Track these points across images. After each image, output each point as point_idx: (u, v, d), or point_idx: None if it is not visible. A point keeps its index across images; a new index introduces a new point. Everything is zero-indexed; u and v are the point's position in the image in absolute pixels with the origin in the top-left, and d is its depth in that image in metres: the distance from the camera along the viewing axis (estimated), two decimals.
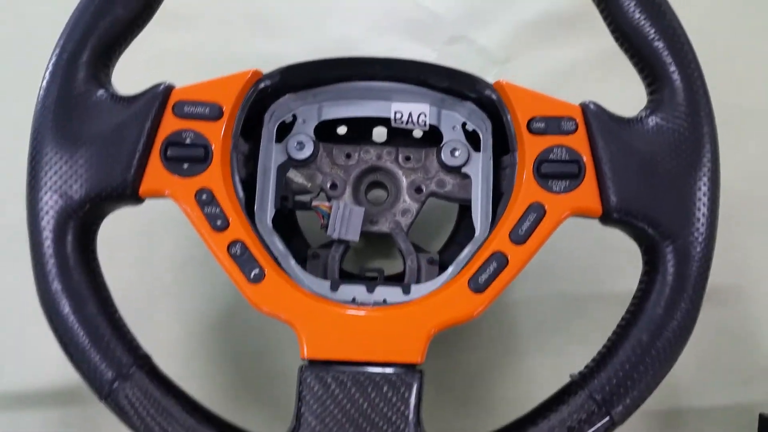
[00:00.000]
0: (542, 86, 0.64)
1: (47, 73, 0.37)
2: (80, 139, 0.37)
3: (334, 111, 0.49)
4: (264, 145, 0.46)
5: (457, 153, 0.48)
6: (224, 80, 0.41)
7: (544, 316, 0.58)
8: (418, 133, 0.52)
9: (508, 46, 0.68)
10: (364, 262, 0.58)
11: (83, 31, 0.38)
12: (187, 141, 0.38)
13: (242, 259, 0.37)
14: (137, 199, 0.38)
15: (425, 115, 0.48)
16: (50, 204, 0.36)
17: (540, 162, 0.38)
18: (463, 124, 0.48)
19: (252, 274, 0.37)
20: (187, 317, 0.58)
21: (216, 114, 0.39)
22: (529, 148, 0.38)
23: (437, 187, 0.49)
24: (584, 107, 0.39)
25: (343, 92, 0.48)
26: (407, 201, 0.49)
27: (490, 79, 0.65)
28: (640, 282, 0.38)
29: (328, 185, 0.49)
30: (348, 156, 0.50)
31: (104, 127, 0.37)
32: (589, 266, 0.59)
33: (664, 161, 0.37)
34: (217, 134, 0.39)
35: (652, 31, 0.38)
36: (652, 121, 0.37)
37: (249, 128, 0.45)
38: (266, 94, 0.45)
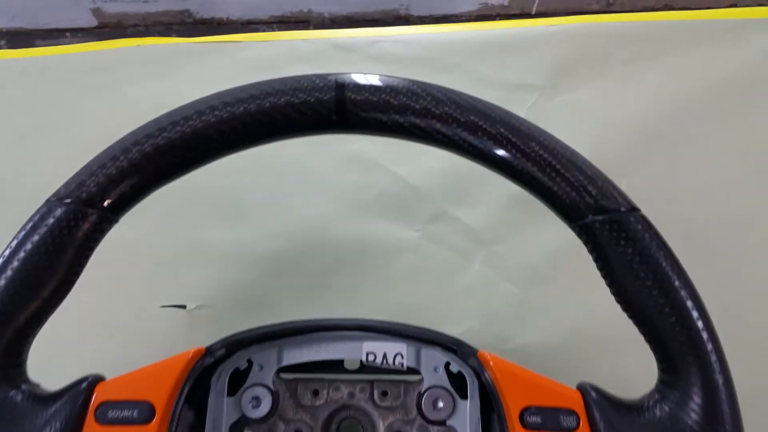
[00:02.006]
0: (533, 270, 0.60)
1: None
2: None
3: (297, 355, 0.43)
4: (213, 403, 0.40)
5: (440, 404, 0.41)
6: (159, 367, 0.35)
7: None
8: None
9: (494, 224, 0.62)
10: None
11: None
12: None
13: None
14: None
15: (402, 356, 0.42)
16: None
17: None
18: (447, 364, 0.42)
19: None
20: None
21: (145, 416, 0.33)
22: None
23: None
24: (584, 393, 0.33)
25: (305, 339, 0.42)
26: None
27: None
28: None
29: None
30: (315, 393, 0.43)
31: None
32: None
33: None
34: None
35: (663, 301, 0.31)
36: (663, 413, 0.31)
37: (194, 390, 0.38)
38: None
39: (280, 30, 1.76)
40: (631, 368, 0.52)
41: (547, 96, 0.65)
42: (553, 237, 0.60)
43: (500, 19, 1.76)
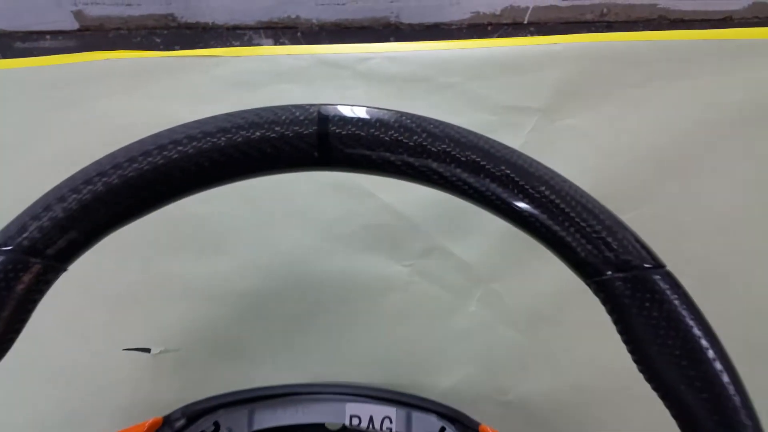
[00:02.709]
0: (535, 312, 0.55)
1: None
2: None
3: (270, 418, 0.38)
4: None
5: None
6: None
7: None
8: None
9: (491, 260, 0.57)
10: None
11: None
12: None
13: None
14: None
15: (391, 420, 0.37)
16: None
17: None
18: (441, 429, 0.37)
19: None
20: None
21: None
22: None
23: None
24: None
25: (280, 400, 0.37)
26: None
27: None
28: None
29: None
30: None
31: None
32: None
33: None
34: None
35: (694, 374, 0.26)
36: None
37: None
38: None
39: (267, 36, 1.71)
40: (642, 427, 0.47)
41: (548, 119, 0.60)
42: (558, 275, 0.55)
43: (492, 28, 1.72)
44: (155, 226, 0.56)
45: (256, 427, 0.38)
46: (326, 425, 0.41)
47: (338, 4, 1.66)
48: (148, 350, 0.53)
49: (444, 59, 0.62)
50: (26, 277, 0.27)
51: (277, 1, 1.65)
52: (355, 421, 0.37)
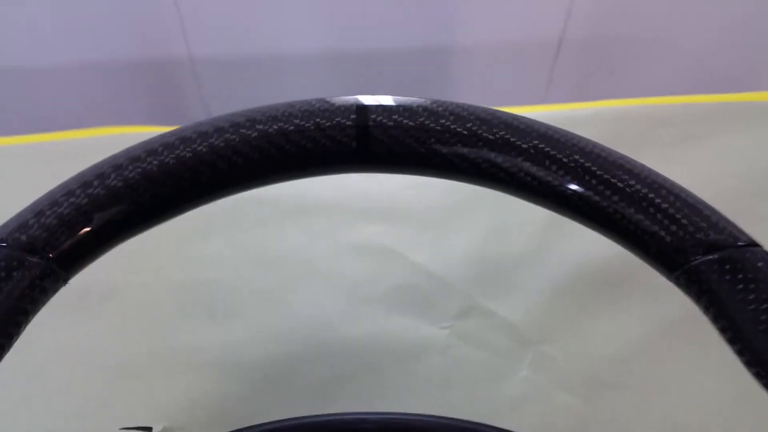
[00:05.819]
0: (595, 375, 0.48)
1: None
2: None
3: None
4: None
5: None
6: None
7: None
8: None
9: (539, 319, 0.51)
10: None
11: None
12: None
13: None
14: None
15: None
16: None
17: None
18: None
19: None
20: None
21: None
22: None
23: None
24: None
25: None
26: None
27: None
28: None
29: None
30: None
31: None
32: None
33: None
34: None
35: None
36: None
37: None
38: None
39: None
40: None
41: None
42: (618, 332, 0.49)
43: None
44: (158, 291, 0.51)
45: None
46: None
47: None
48: (149, 429, 0.45)
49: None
50: (21, 277, 0.22)
51: None
52: None
